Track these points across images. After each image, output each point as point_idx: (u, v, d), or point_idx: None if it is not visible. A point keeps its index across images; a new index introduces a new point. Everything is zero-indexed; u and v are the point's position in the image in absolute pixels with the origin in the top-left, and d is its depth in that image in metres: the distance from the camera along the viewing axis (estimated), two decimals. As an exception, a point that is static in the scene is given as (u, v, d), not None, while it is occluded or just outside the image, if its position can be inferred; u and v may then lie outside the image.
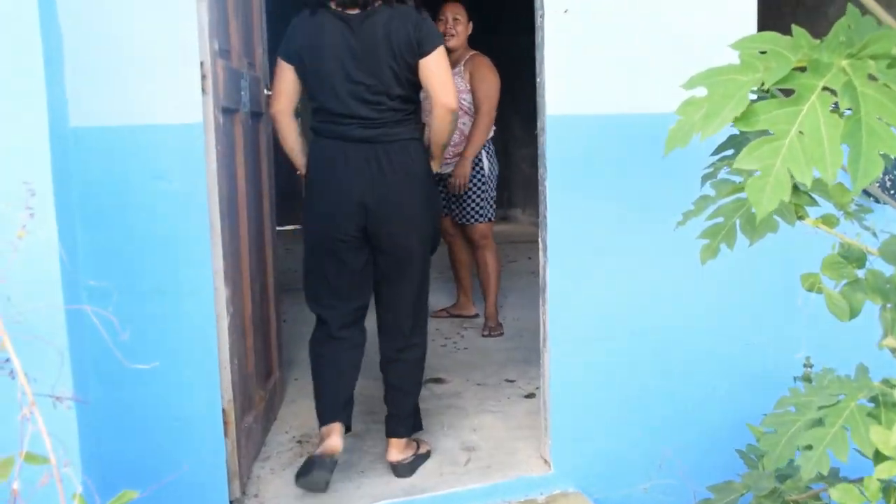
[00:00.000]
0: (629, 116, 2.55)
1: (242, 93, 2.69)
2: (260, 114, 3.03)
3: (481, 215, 4.39)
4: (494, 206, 4.46)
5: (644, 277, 2.65)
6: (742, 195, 1.67)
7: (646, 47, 2.53)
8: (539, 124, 2.55)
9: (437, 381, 3.65)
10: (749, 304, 2.81)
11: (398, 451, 2.74)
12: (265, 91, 3.11)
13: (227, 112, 2.50)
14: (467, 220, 4.40)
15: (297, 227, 9.25)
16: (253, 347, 2.79)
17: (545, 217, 2.55)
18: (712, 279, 2.53)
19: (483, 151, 4.30)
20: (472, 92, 4.23)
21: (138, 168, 2.15)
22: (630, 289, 2.64)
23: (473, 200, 4.35)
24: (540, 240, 2.61)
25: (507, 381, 3.64)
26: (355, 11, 2.52)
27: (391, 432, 2.74)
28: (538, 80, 2.54)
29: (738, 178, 1.72)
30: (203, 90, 2.23)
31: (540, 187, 2.58)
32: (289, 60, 2.60)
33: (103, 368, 2.11)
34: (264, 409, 2.96)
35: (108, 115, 2.11)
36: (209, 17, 2.26)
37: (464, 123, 4.26)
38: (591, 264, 2.60)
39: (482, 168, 4.31)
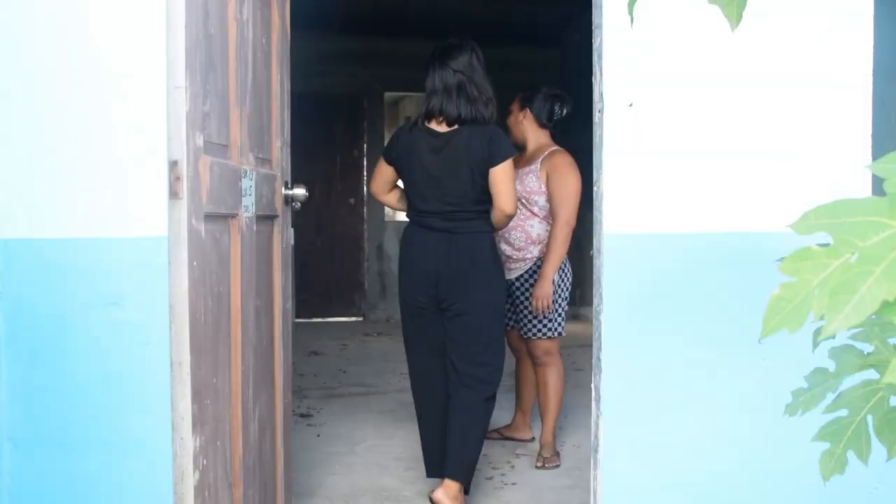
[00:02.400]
0: (710, 237, 2.03)
1: (244, 194, 2.28)
2: (274, 217, 2.62)
3: (545, 331, 3.82)
4: (563, 320, 3.87)
5: (729, 441, 2.08)
6: (874, 375, 1.14)
7: (734, 151, 2.03)
8: (595, 244, 2.06)
9: (476, 530, 3.09)
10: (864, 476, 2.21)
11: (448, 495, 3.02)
12: (285, 189, 2.71)
13: (216, 219, 2.08)
14: (529, 335, 3.84)
15: (358, 318, 8.92)
16: (243, 498, 2.31)
17: (599, 360, 2.03)
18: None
19: None
20: (550, 195, 3.73)
21: (83, 291, 1.74)
22: (710, 456, 2.08)
23: (537, 314, 3.77)
24: (592, 387, 2.08)
25: (559, 535, 3.06)
26: (444, 130, 3.10)
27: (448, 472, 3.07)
28: (595, 188, 2.06)
29: (867, 347, 1.20)
30: (174, 194, 1.82)
31: (594, 321, 2.07)
32: (389, 162, 3.26)
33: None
34: (257, 570, 2.46)
35: (49, 225, 1.71)
36: (189, 107, 1.87)
37: (531, 226, 3.77)
38: (657, 423, 2.05)
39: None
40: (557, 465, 3.83)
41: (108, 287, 1.74)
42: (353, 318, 8.95)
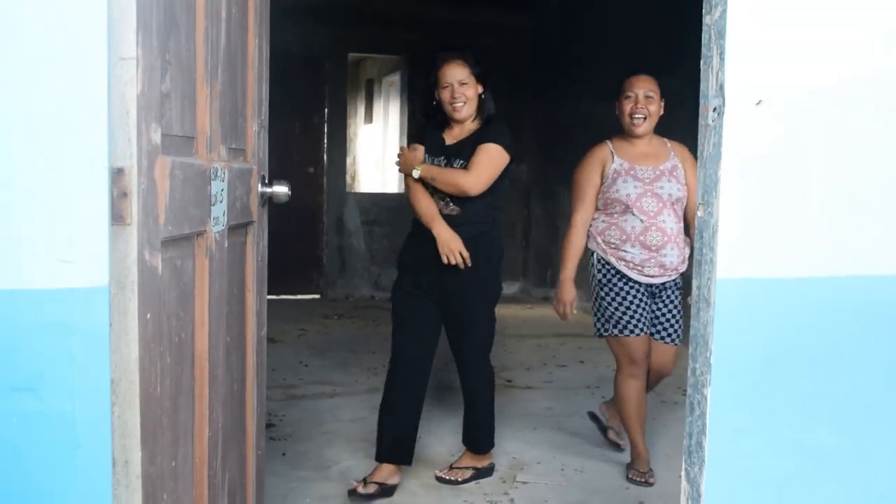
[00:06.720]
0: (858, 281, 1.51)
1: (215, 202, 1.69)
2: (249, 223, 2.03)
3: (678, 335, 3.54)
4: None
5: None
6: None
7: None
8: (697, 292, 1.52)
9: None
10: None
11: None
12: (262, 186, 2.11)
13: (177, 244, 1.49)
14: (676, 340, 3.53)
15: (315, 295, 8.27)
16: None
17: (700, 447, 1.50)
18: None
19: None
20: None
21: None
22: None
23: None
24: (686, 482, 1.55)
25: None
26: None
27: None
28: (699, 215, 1.52)
29: None
30: (119, 219, 1.23)
31: (690, 395, 1.54)
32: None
33: None
34: None
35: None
36: (142, 87, 1.26)
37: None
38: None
39: None
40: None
41: (13, 365, 1.14)
42: (311, 296, 8.33)
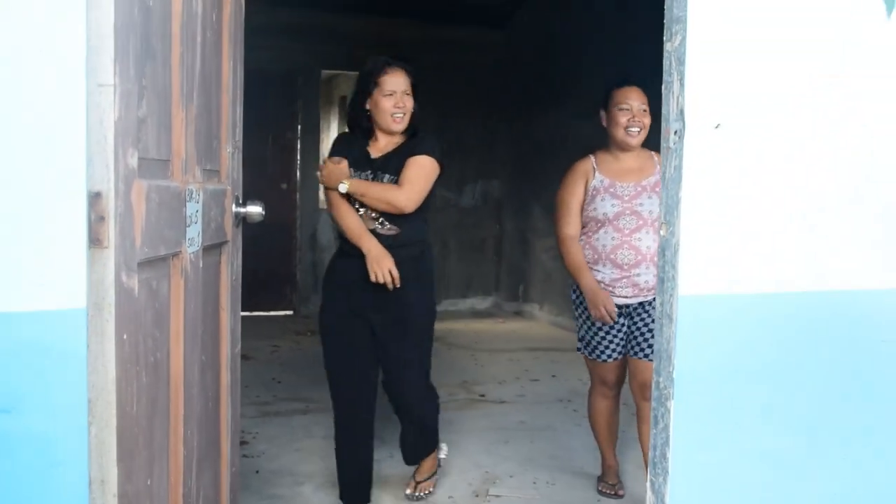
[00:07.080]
0: (815, 296, 1.57)
1: (190, 223, 1.72)
2: (222, 243, 2.06)
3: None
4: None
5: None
6: None
7: (853, 192, 1.57)
8: (661, 309, 1.57)
9: None
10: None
11: None
12: (236, 206, 2.14)
13: (152, 265, 1.52)
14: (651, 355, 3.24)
15: (288, 312, 8.28)
16: None
17: (665, 458, 1.54)
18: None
19: None
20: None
21: (-45, 391, 1.16)
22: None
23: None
24: (652, 493, 1.60)
25: None
26: None
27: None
28: (662, 234, 1.57)
29: None
30: (96, 242, 1.26)
31: (655, 408, 1.58)
32: None
33: None
34: None
35: None
36: (119, 113, 1.30)
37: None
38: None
39: None
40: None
41: (-8, 387, 1.17)
42: (283, 312, 8.32)
